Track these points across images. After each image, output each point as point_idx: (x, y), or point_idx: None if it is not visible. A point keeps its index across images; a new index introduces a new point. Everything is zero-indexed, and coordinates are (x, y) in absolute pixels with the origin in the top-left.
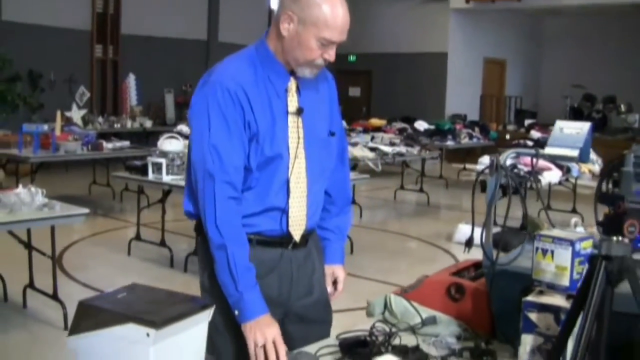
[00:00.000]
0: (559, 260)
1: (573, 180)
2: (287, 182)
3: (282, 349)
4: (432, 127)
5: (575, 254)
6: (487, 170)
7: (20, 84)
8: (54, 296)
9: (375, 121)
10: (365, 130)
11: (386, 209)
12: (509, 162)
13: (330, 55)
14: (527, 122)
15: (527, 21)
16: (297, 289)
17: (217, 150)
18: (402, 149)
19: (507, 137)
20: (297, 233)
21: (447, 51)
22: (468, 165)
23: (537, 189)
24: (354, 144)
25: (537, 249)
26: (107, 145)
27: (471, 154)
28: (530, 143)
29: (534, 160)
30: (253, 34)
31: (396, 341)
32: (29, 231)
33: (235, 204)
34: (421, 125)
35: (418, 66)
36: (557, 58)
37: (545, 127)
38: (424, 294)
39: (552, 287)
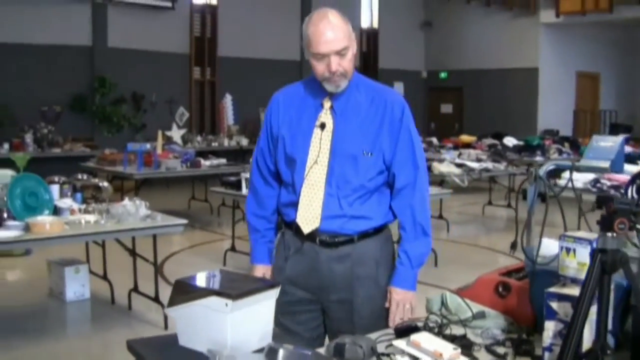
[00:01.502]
0: (580, 257)
1: None
2: (303, 181)
3: None
4: (521, 143)
5: (593, 251)
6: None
7: (125, 105)
8: (156, 299)
9: (465, 137)
10: (456, 147)
11: (474, 224)
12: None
13: (330, 66)
14: (621, 136)
15: (620, 33)
16: (327, 282)
17: (257, 146)
18: (489, 164)
19: None
20: (305, 226)
21: (538, 66)
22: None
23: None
24: (441, 160)
25: (561, 247)
26: (205, 163)
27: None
28: None
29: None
30: None
31: (447, 331)
32: (133, 239)
33: (259, 184)
34: (510, 141)
35: (509, 82)
36: None
37: None
38: (476, 292)
39: (575, 282)
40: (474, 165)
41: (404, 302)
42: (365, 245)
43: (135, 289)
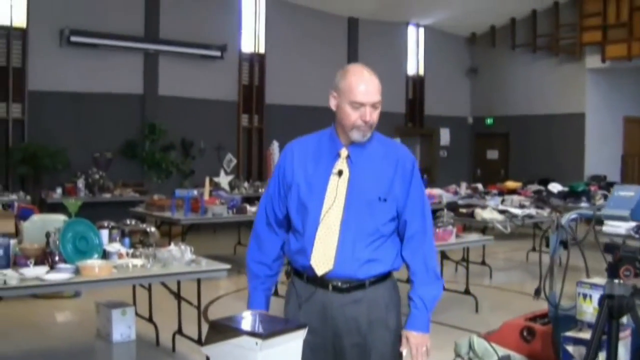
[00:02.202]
0: (596, 302)
1: None
2: (318, 226)
3: None
4: (566, 189)
5: (601, 297)
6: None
7: (174, 152)
8: (199, 341)
9: (510, 184)
10: (501, 193)
11: (518, 270)
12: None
13: (365, 116)
14: None
15: None
16: (341, 327)
17: (266, 188)
18: (532, 211)
19: None
20: (319, 269)
21: (585, 111)
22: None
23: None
24: (484, 207)
25: (579, 294)
26: (251, 209)
27: None
28: None
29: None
30: (392, 99)
31: None
32: (178, 283)
33: (263, 231)
34: (555, 187)
35: (555, 127)
36: None
37: None
38: (502, 336)
39: (591, 327)
40: (517, 211)
41: (422, 345)
42: (376, 291)
43: (180, 331)
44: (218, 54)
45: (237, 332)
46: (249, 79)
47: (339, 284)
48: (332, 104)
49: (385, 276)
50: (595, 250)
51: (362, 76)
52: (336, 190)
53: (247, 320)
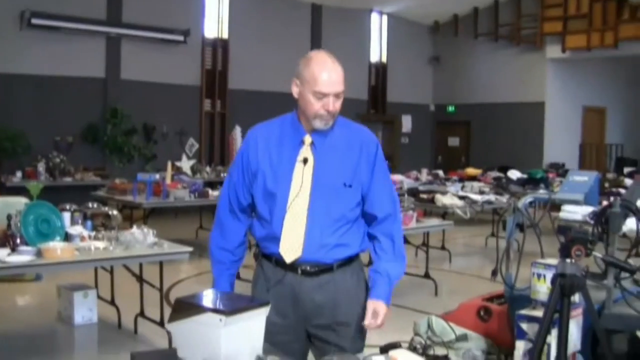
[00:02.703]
0: (550, 282)
1: None
2: (285, 214)
3: None
4: (525, 176)
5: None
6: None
7: (136, 136)
8: (162, 324)
9: (471, 170)
10: (461, 180)
11: (477, 255)
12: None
13: (328, 106)
14: (626, 170)
15: (626, 67)
16: (310, 309)
17: (229, 176)
18: (492, 197)
19: (607, 185)
20: (288, 256)
21: (545, 100)
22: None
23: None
24: (445, 193)
25: (533, 273)
26: (213, 193)
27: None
28: (622, 191)
29: (547, 204)
30: (354, 87)
31: (431, 352)
32: (141, 266)
33: (227, 218)
34: (514, 174)
35: (516, 116)
36: None
37: None
38: (459, 316)
39: (544, 305)
40: (477, 197)
41: (382, 311)
42: (344, 273)
43: (142, 314)
44: (181, 38)
45: (200, 309)
46: (212, 64)
47: (308, 267)
48: (294, 91)
49: (353, 258)
50: (550, 235)
51: (326, 65)
52: (302, 178)
53: (211, 298)
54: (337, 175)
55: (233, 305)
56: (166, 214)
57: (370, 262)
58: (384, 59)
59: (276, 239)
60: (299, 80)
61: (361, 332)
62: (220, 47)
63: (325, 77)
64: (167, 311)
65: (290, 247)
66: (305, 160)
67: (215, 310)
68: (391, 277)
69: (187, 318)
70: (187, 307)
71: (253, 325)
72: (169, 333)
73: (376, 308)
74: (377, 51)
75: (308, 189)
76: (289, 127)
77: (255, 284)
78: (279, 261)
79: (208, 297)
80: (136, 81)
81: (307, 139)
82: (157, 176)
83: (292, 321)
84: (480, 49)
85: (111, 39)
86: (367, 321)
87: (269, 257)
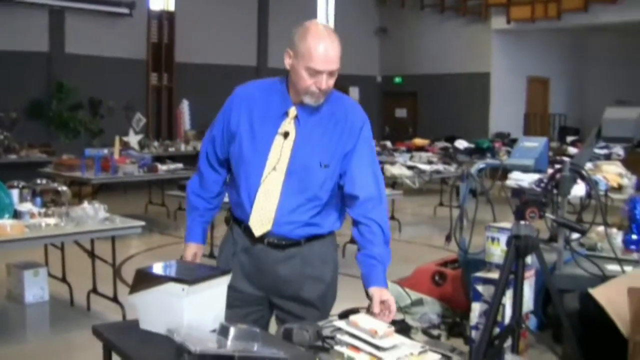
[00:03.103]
0: (503, 245)
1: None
2: (257, 187)
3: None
4: (472, 145)
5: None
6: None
7: (82, 111)
8: (115, 299)
9: (418, 141)
10: (409, 150)
11: (426, 225)
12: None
13: (320, 84)
14: (569, 138)
15: (569, 39)
16: (274, 281)
17: (210, 128)
18: (440, 167)
19: (550, 153)
20: (257, 229)
21: (490, 71)
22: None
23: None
24: (393, 163)
25: (488, 237)
26: (162, 168)
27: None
28: (566, 159)
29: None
30: None
31: None
32: (92, 242)
33: (206, 169)
34: (461, 144)
35: (462, 86)
36: (601, 75)
37: None
38: (414, 281)
39: (499, 267)
40: (425, 167)
41: (390, 299)
42: (311, 247)
43: (94, 290)
44: (126, 11)
45: (163, 279)
46: (158, 37)
47: (275, 240)
48: (287, 62)
49: (324, 235)
50: (499, 204)
51: (323, 41)
52: (280, 152)
53: (173, 268)
54: (315, 153)
55: (195, 275)
56: (115, 189)
57: (352, 238)
58: None
59: (246, 210)
60: (292, 52)
61: (324, 309)
62: (166, 19)
63: (321, 54)
64: (120, 287)
65: (261, 221)
66: (286, 134)
67: (177, 280)
68: (385, 263)
69: (149, 289)
70: (149, 278)
71: (215, 293)
72: (122, 308)
73: (382, 296)
74: (324, 22)
75: (285, 165)
76: (277, 94)
77: (223, 245)
78: (247, 228)
79: (169, 267)
80: (81, 55)
81: (292, 111)
82: (106, 151)
83: (256, 290)
84: (427, 20)
85: (54, 12)
86: (377, 309)
87: (239, 223)
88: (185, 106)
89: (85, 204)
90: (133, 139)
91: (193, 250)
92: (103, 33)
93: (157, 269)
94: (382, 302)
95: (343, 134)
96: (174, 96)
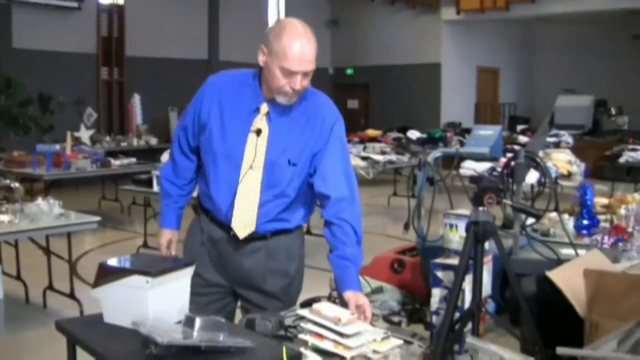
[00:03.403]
0: (461, 231)
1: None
2: (237, 185)
3: (173, 249)
4: (424, 135)
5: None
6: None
7: (32, 107)
8: (72, 295)
9: (371, 132)
10: (362, 141)
11: (381, 215)
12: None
13: (295, 84)
14: (519, 127)
15: (518, 30)
16: (239, 273)
17: (183, 115)
18: (393, 157)
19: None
20: (241, 233)
21: (441, 61)
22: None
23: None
24: None
25: (446, 224)
26: (115, 163)
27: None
28: (517, 147)
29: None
30: (253, 52)
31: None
32: (47, 238)
33: (179, 157)
34: (413, 134)
35: (413, 77)
36: (549, 64)
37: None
38: (374, 269)
39: (457, 253)
40: (379, 158)
41: (365, 303)
42: (277, 241)
43: (50, 287)
44: (75, 4)
45: (127, 272)
46: (108, 31)
47: (242, 237)
48: (260, 59)
49: (291, 230)
50: (454, 192)
51: (299, 40)
52: (255, 150)
53: (135, 261)
54: (284, 151)
55: (159, 266)
56: (67, 185)
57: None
58: None
59: (215, 202)
60: (266, 49)
61: (288, 301)
62: (115, 13)
63: (296, 54)
64: (77, 283)
65: (242, 223)
66: (258, 132)
67: (141, 272)
68: (358, 264)
69: (112, 282)
70: (112, 271)
71: (179, 285)
72: (80, 304)
73: (358, 300)
74: (275, 15)
75: (262, 163)
76: (249, 88)
77: (190, 231)
78: (214, 218)
79: (132, 260)
80: (30, 50)
81: (264, 108)
82: (57, 147)
83: (221, 279)
84: (378, 11)
85: (1, 7)
86: (355, 315)
87: (206, 212)
88: (136, 100)
89: (40, 200)
90: (84, 134)
91: (168, 237)
92: (52, 27)
93: (121, 261)
94: (358, 307)
95: (313, 132)
96: (125, 90)
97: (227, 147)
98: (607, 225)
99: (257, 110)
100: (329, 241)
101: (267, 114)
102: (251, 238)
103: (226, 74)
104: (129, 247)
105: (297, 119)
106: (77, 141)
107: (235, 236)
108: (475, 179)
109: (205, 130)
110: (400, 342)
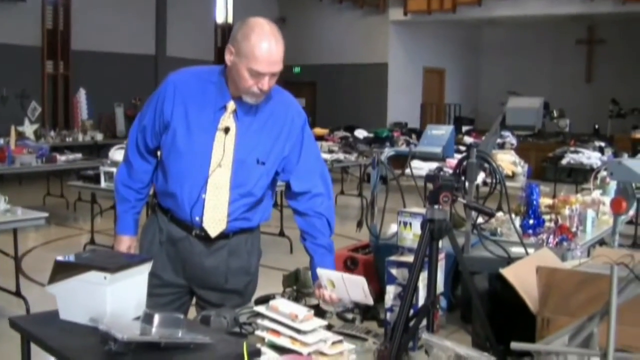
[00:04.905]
0: (415, 229)
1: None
2: (205, 185)
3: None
4: (371, 135)
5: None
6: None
7: None
8: (17, 293)
9: (318, 130)
10: None
11: None
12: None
13: (263, 85)
14: (464, 128)
15: (464, 31)
16: (198, 273)
17: (140, 115)
18: (341, 156)
19: None
20: (213, 231)
21: (388, 61)
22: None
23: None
24: None
25: (400, 222)
26: (61, 158)
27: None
28: (462, 148)
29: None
30: (200, 48)
31: (302, 302)
32: None
33: (135, 159)
34: (361, 133)
35: (360, 76)
36: (494, 67)
37: (482, 132)
38: None
39: (411, 251)
40: (326, 156)
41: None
42: (239, 239)
43: None
44: None
45: (84, 267)
46: (54, 24)
47: (203, 233)
48: (228, 58)
49: (253, 229)
50: (407, 192)
51: (267, 41)
52: (223, 148)
53: (92, 256)
54: (252, 150)
55: (116, 262)
56: (9, 181)
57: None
58: (230, 20)
59: (178, 201)
60: (234, 49)
61: (246, 298)
62: (61, 5)
63: (264, 55)
64: (22, 280)
65: (214, 220)
66: (226, 130)
67: (99, 268)
68: (333, 254)
69: (69, 278)
70: (69, 267)
71: (137, 281)
72: (26, 302)
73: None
74: (223, 12)
75: (230, 161)
76: (214, 86)
77: (146, 232)
78: (174, 217)
79: (89, 256)
80: None
81: (231, 105)
82: (1, 141)
83: (179, 279)
84: (326, 10)
85: None
86: (327, 295)
87: (165, 211)
88: (82, 95)
89: None
90: (28, 129)
91: (127, 244)
92: None
93: (78, 258)
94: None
95: (283, 132)
96: (71, 85)
97: (194, 145)
98: (552, 225)
99: (224, 108)
100: (304, 230)
101: (234, 111)
102: (215, 237)
103: (187, 71)
104: (75, 244)
105: (265, 117)
106: (20, 136)
107: (198, 235)
108: (430, 177)
109: (168, 130)
110: (352, 346)
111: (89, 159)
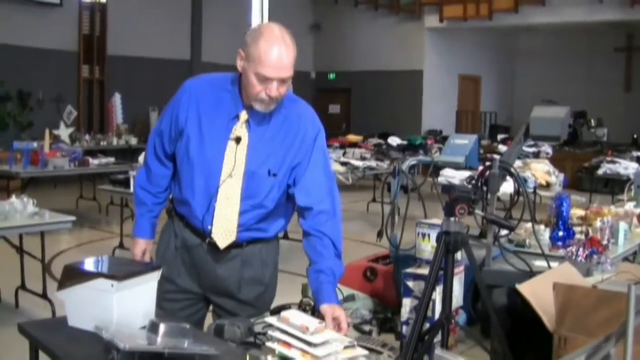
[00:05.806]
0: (434, 241)
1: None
2: (216, 194)
3: (147, 259)
4: (405, 142)
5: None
6: (448, 181)
7: (11, 103)
8: (44, 295)
9: (352, 137)
10: (342, 146)
11: (359, 220)
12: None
13: (271, 91)
14: (500, 136)
15: (500, 39)
16: (212, 280)
17: (159, 121)
18: (373, 163)
19: (481, 151)
20: (222, 242)
21: (423, 69)
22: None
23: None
24: None
25: (418, 233)
26: (93, 162)
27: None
28: (497, 156)
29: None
30: (235, 54)
31: (318, 313)
32: (21, 237)
33: (153, 164)
34: (394, 140)
35: (395, 83)
36: (530, 74)
37: None
38: (347, 277)
39: (429, 263)
40: (358, 163)
41: (342, 315)
42: (253, 248)
43: (23, 286)
44: (57, 1)
45: (92, 274)
46: (90, 29)
47: (222, 247)
48: (239, 64)
49: (269, 239)
50: (431, 200)
51: (277, 46)
52: (234, 158)
53: (101, 263)
54: (264, 161)
55: (124, 270)
56: (44, 184)
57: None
58: None
59: (191, 209)
60: (244, 53)
61: (261, 308)
62: (98, 11)
63: (272, 60)
64: (50, 283)
65: (224, 231)
66: (238, 140)
67: (106, 275)
68: (335, 276)
69: (77, 284)
70: (78, 274)
71: (145, 289)
72: (52, 304)
73: (334, 313)
74: (259, 17)
75: (242, 171)
76: (228, 94)
77: (162, 236)
78: (188, 224)
79: (98, 263)
80: (9, 45)
81: (243, 115)
82: (35, 144)
83: (194, 286)
84: (361, 17)
85: None
86: (329, 327)
87: (181, 217)
88: (117, 99)
89: (13, 198)
90: (63, 132)
91: (142, 247)
92: (33, 23)
93: (87, 264)
94: (334, 319)
95: (295, 142)
96: (106, 89)
97: (205, 154)
98: (583, 237)
99: (237, 117)
100: (307, 253)
101: (247, 121)
102: (229, 246)
103: (204, 78)
104: (105, 248)
105: (277, 127)
106: (55, 139)
107: (211, 244)
108: (447, 189)
109: (182, 136)
110: (365, 352)
111: (120, 162)
